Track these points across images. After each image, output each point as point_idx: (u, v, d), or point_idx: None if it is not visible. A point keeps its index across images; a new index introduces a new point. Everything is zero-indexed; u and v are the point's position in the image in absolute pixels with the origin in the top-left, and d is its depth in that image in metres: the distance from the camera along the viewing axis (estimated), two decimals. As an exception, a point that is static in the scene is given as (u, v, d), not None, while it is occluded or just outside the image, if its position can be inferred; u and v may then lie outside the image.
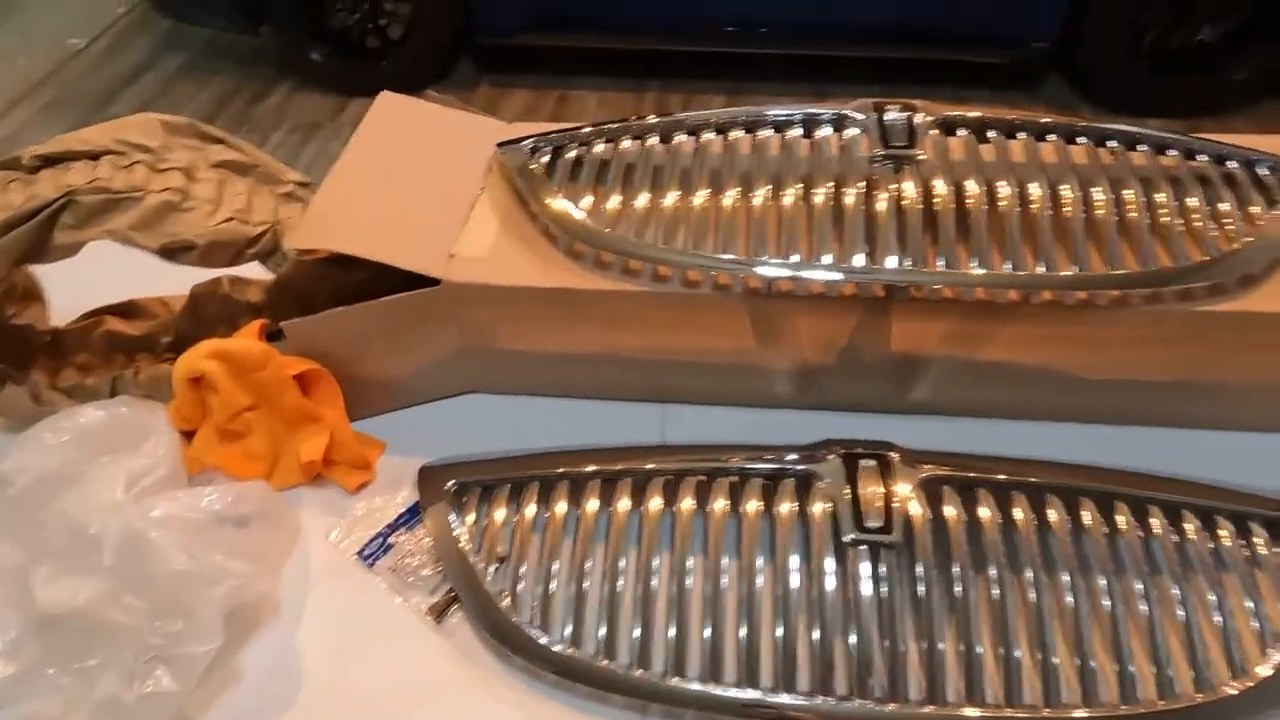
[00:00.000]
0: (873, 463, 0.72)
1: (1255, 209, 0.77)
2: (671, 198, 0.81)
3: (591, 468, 0.76)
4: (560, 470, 0.77)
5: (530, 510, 0.74)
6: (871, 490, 0.70)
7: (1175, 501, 0.71)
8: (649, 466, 0.76)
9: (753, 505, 0.72)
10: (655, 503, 0.73)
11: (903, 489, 0.71)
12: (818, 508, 0.71)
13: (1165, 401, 0.81)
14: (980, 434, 0.81)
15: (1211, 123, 2.67)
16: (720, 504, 0.72)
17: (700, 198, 0.81)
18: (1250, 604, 0.66)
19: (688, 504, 0.72)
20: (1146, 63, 2.59)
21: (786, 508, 0.71)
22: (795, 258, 0.76)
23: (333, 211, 0.82)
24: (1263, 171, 0.81)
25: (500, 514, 0.74)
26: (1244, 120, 2.68)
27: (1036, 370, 0.79)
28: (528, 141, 0.88)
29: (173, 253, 0.77)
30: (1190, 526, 0.70)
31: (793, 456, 0.74)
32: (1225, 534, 0.69)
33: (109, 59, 3.35)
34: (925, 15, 2.65)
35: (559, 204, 0.82)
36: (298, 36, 2.89)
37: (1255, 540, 0.69)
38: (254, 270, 0.86)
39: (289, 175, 0.86)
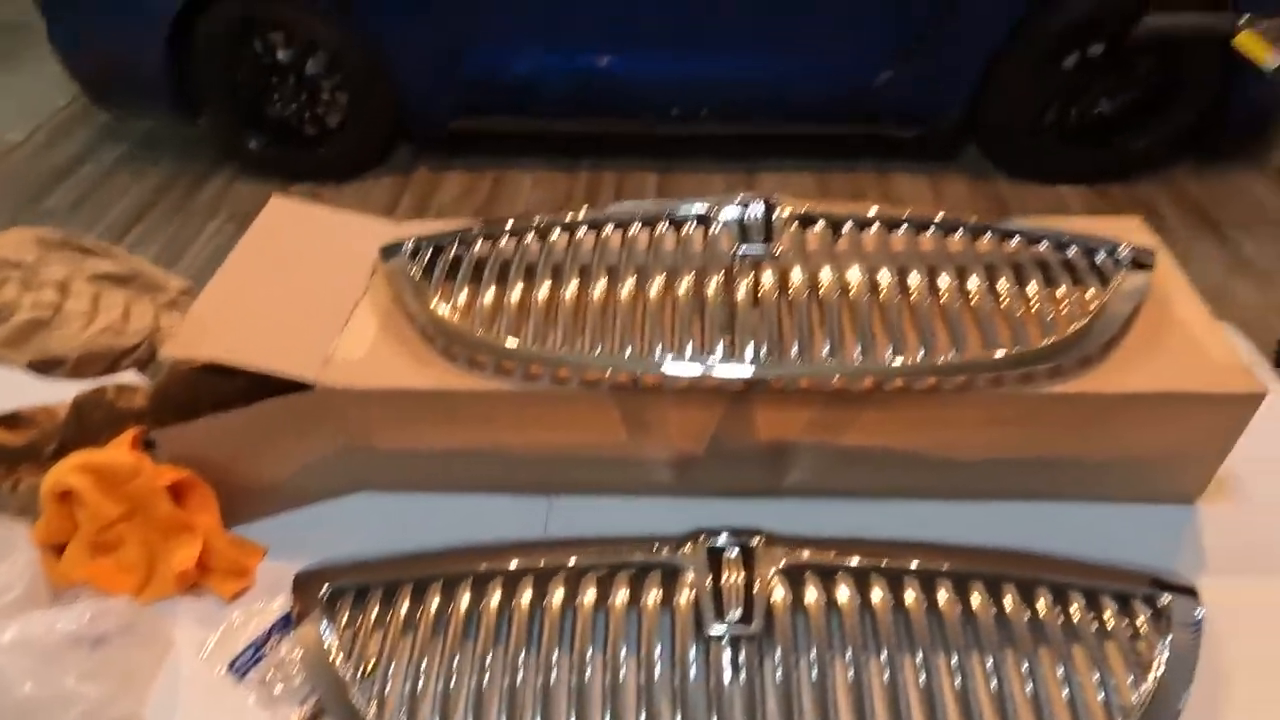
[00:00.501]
0: (736, 552, 0.74)
1: (1091, 292, 0.82)
2: (543, 296, 0.84)
3: (465, 567, 0.76)
4: (435, 571, 0.77)
5: (403, 612, 0.74)
6: (734, 580, 0.72)
7: (1028, 578, 0.73)
8: (522, 563, 0.76)
9: (620, 599, 0.73)
10: (526, 599, 0.74)
11: (765, 576, 0.72)
12: (683, 599, 0.72)
13: (1021, 477, 0.84)
14: (852, 514, 0.84)
15: (1119, 188, 2.82)
16: (589, 598, 0.73)
17: (570, 295, 0.83)
18: (1098, 676, 0.68)
19: (557, 599, 0.73)
20: (1052, 134, 2.73)
21: (653, 600, 0.72)
22: (659, 353, 0.78)
23: (212, 318, 0.84)
24: (1099, 257, 0.86)
25: (373, 617, 0.74)
26: (1150, 184, 2.82)
27: (896, 453, 0.82)
28: (410, 243, 0.91)
29: (43, 367, 0.77)
30: (1042, 603, 0.72)
31: (662, 548, 0.75)
32: (1076, 608, 0.72)
33: (47, 151, 3.36)
34: (846, 94, 2.77)
35: (436, 305, 0.84)
36: (235, 126, 2.93)
37: (1105, 613, 0.72)
38: (140, 376, 0.87)
39: (172, 283, 0.88)
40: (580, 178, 3.02)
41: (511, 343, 0.81)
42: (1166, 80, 2.53)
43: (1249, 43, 1.32)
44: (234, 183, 3.06)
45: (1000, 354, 0.77)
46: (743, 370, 0.77)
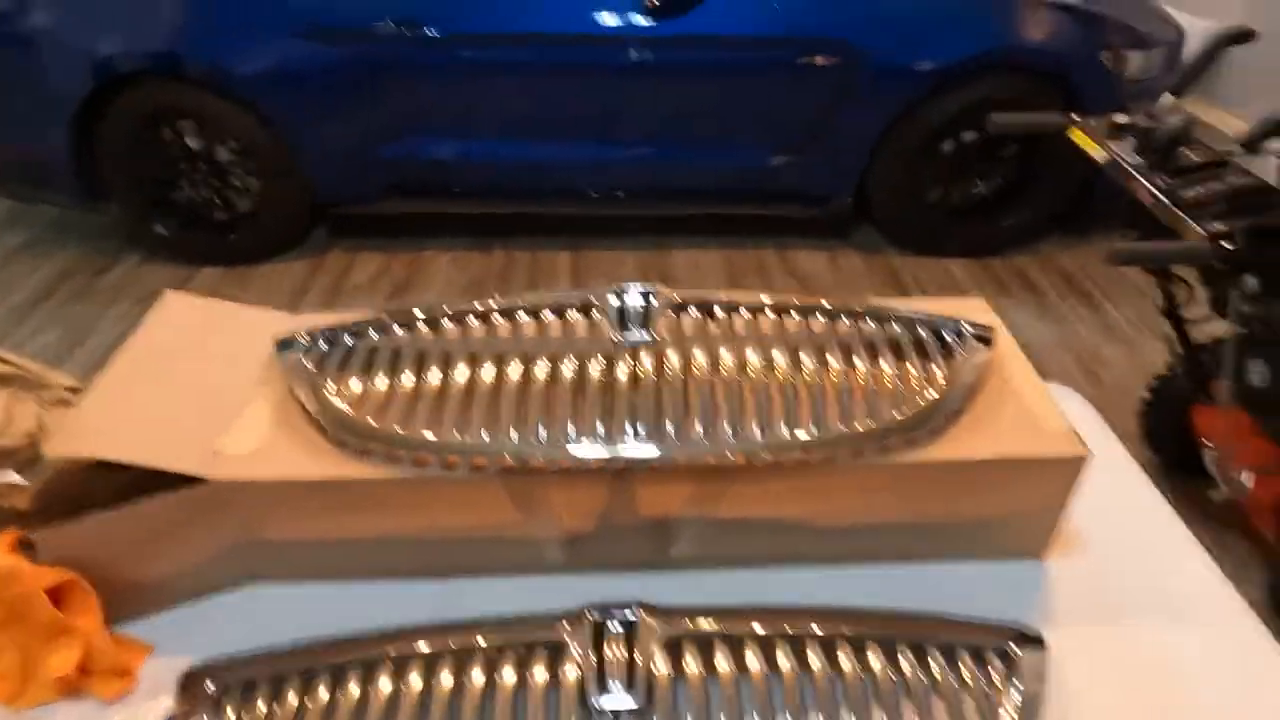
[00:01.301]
0: (620, 628, 0.77)
1: (938, 368, 0.90)
2: (433, 384, 0.88)
3: (354, 655, 0.78)
4: (323, 661, 0.78)
5: (291, 706, 0.74)
6: (617, 655, 0.75)
7: (891, 637, 0.79)
8: (411, 648, 0.78)
9: (508, 679, 0.75)
10: (414, 684, 0.75)
11: (648, 649, 0.75)
12: (569, 676, 0.74)
13: (887, 541, 0.90)
14: (734, 583, 0.88)
15: (999, 261, 3.04)
16: (477, 680, 0.75)
17: (459, 382, 0.87)
18: (957, 731, 0.73)
19: (446, 683, 0.75)
20: (937, 212, 2.94)
21: (540, 679, 0.75)
22: (545, 437, 0.82)
23: (99, 415, 0.84)
24: (946, 335, 0.95)
25: (260, 713, 0.74)
26: (1026, 256, 3.05)
27: (770, 522, 0.87)
28: (305, 334, 0.94)
29: (-83, 472, 0.76)
30: (905, 661, 0.77)
31: (550, 626, 0.78)
32: (936, 664, 0.77)
33: (-57, 240, 3.26)
34: (745, 179, 2.94)
35: (328, 396, 0.87)
36: (143, 211, 2.91)
37: (961, 668, 0.77)
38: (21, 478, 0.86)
39: (57, 380, 0.88)
40: (495, 257, 3.09)
41: (401, 431, 0.84)
42: (1030, 165, 2.78)
43: (1079, 139, 1.48)
44: (141, 267, 3.02)
45: (859, 427, 0.84)
46: (624, 451, 0.81)
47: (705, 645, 0.77)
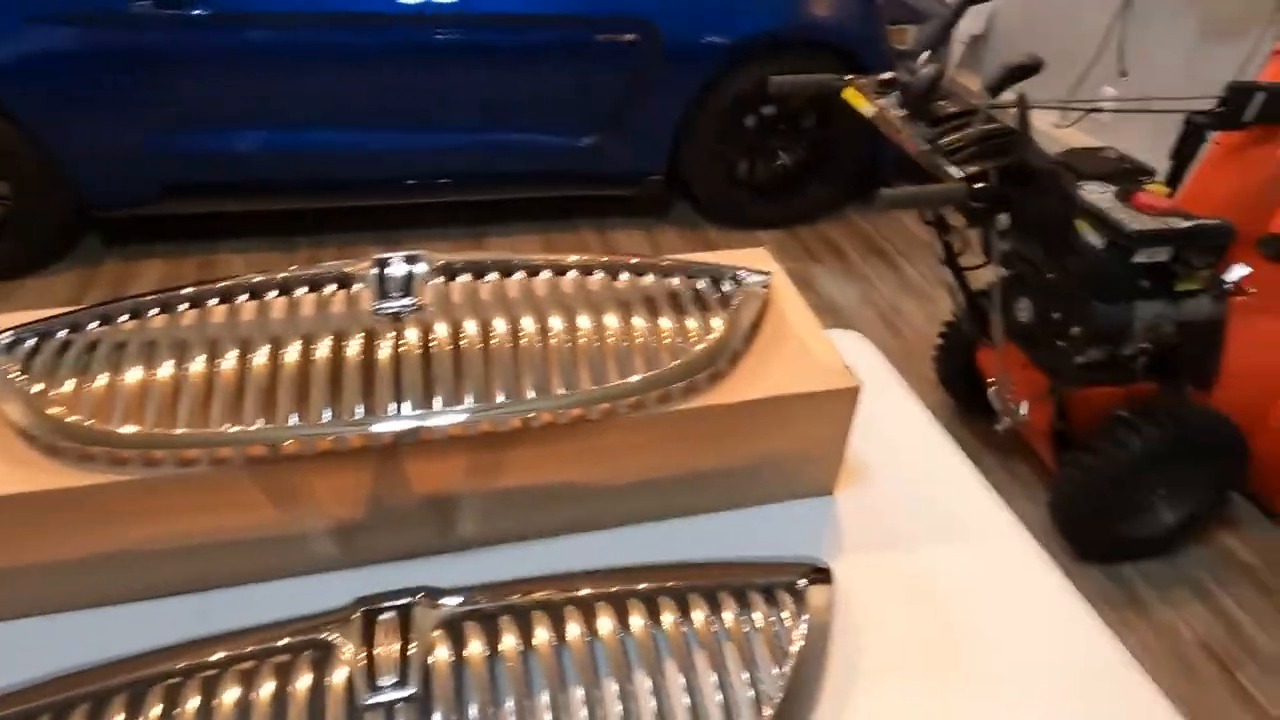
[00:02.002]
0: (392, 615, 0.71)
1: (716, 316, 0.90)
2: (165, 374, 0.77)
3: (81, 690, 0.67)
4: (46, 702, 0.67)
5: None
6: (389, 646, 0.69)
7: (683, 589, 0.77)
8: (154, 672, 0.68)
9: (266, 691, 0.67)
10: (155, 712, 0.66)
11: (426, 635, 0.70)
12: (337, 676, 0.67)
13: (679, 495, 0.89)
14: (525, 556, 0.84)
15: (806, 229, 3.17)
16: (228, 700, 0.66)
17: (197, 370, 0.78)
18: (747, 675, 0.72)
19: (190, 709, 0.66)
20: (745, 186, 3.03)
21: (303, 684, 0.67)
22: (295, 418, 0.75)
23: None
24: (724, 284, 0.94)
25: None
26: (831, 223, 3.20)
27: (556, 488, 0.84)
28: (7, 334, 0.81)
29: None
30: (698, 612, 0.75)
31: (314, 627, 0.71)
32: (729, 611, 0.76)
33: None
34: (559, 160, 2.90)
35: (34, 398, 0.75)
36: None
37: (754, 610, 0.77)
38: None
39: None
40: (298, 256, 2.89)
41: (128, 429, 0.73)
42: (827, 137, 2.92)
43: (852, 96, 1.55)
44: None
45: (637, 380, 0.81)
46: (388, 426, 0.75)
47: (489, 623, 0.72)
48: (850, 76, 1.59)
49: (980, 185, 1.31)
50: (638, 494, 0.87)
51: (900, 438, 1.06)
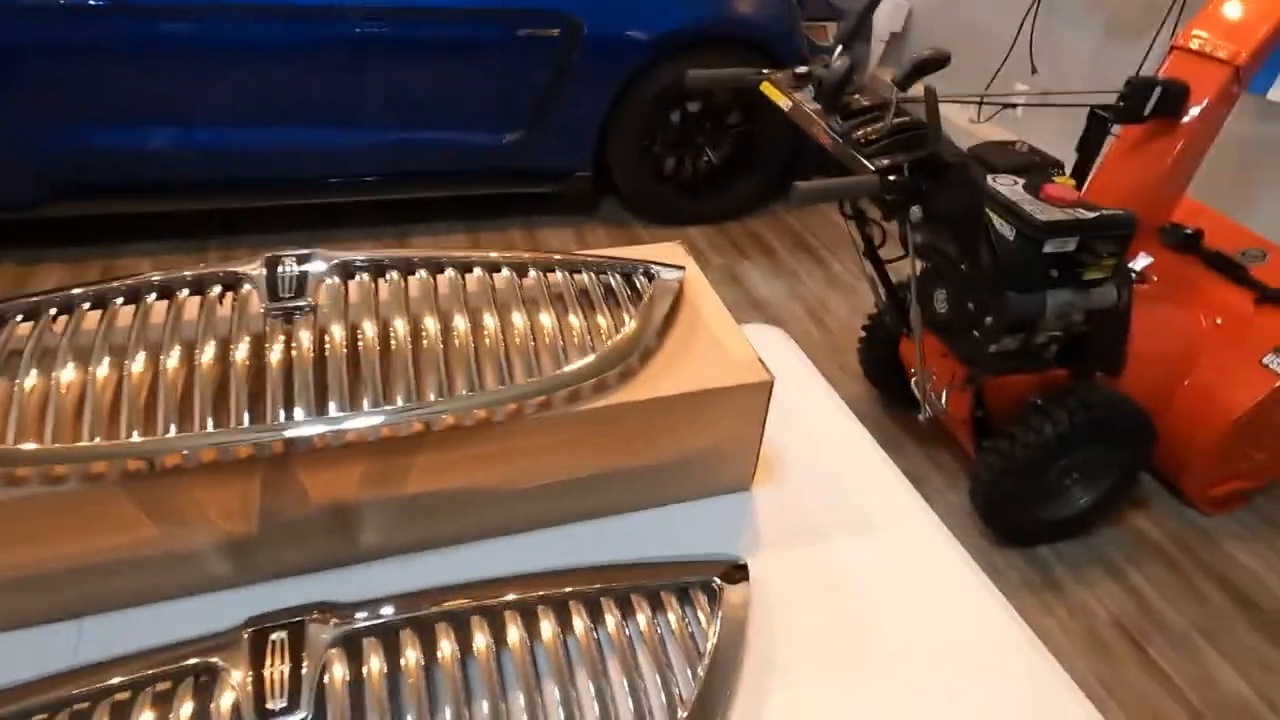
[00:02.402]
0: (284, 634, 0.67)
1: (627, 311, 0.88)
2: (30, 385, 0.72)
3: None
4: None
5: None
6: (279, 667, 0.65)
7: (594, 593, 0.75)
8: (22, 706, 0.63)
9: (145, 721, 0.62)
10: (19, 753, 0.60)
11: (320, 654, 0.66)
12: (223, 703, 0.63)
13: (602, 494, 0.87)
14: (433, 566, 0.81)
15: (735, 225, 3.18)
16: (103, 732, 0.62)
17: (67, 380, 0.72)
18: (659, 679, 0.70)
19: (59, 743, 0.61)
20: (673, 183, 3.02)
21: (186, 712, 0.63)
22: (175, 429, 0.70)
23: None
24: (636, 280, 0.93)
25: None
26: (759, 220, 3.22)
27: (463, 494, 0.80)
28: None
29: None
30: (609, 617, 0.73)
31: (196, 649, 0.66)
32: (642, 614, 0.74)
33: None
34: (482, 158, 2.84)
35: (-122, 416, 0.68)
36: None
37: (668, 611, 0.75)
38: None
39: None
40: (210, 259, 2.77)
41: (-13, 446, 0.68)
42: (752, 131, 2.93)
43: (769, 90, 1.55)
44: None
45: (545, 379, 0.79)
46: (276, 434, 0.71)
47: (389, 637, 0.69)
48: (768, 71, 1.59)
49: (892, 178, 1.32)
50: (550, 496, 0.84)
51: (817, 431, 1.06)
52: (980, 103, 1.74)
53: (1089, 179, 1.94)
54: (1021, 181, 1.65)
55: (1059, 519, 1.87)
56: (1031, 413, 1.71)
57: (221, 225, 2.88)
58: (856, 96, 1.48)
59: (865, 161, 1.34)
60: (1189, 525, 2.01)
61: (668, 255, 1.03)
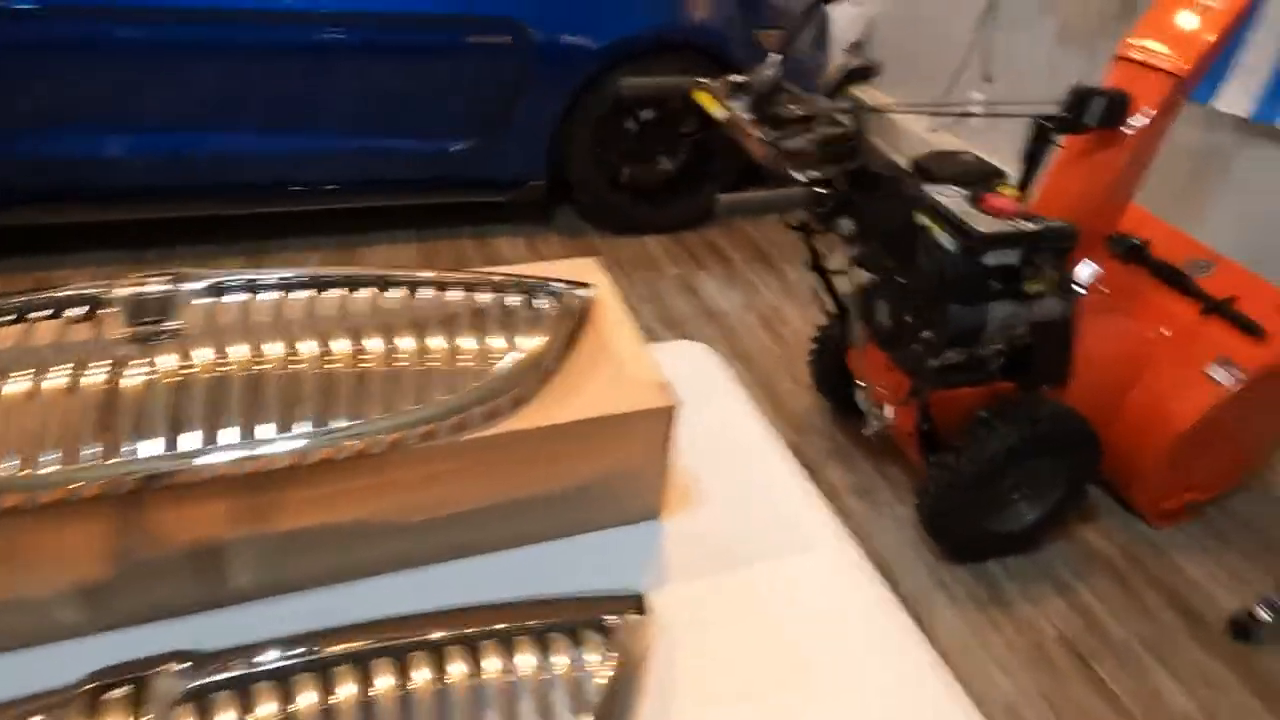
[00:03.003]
0: (127, 689, 0.61)
1: (526, 334, 0.83)
2: None
3: None
4: None
5: None
6: (117, 727, 0.59)
7: (476, 636, 0.70)
8: None
9: (-40, 791, 0.57)
10: None
11: (166, 711, 0.61)
12: (52, 768, 0.58)
13: (499, 526, 0.82)
14: (308, 607, 0.76)
15: (693, 234, 3.15)
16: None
17: (-105, 416, 0.67)
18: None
19: None
20: (629, 191, 2.98)
21: (9, 780, 0.58)
22: (15, 463, 0.64)
23: None
24: (539, 300, 0.88)
25: None
26: (717, 229, 3.19)
27: (344, 528, 0.76)
28: None
29: None
30: (490, 661, 0.69)
31: (28, 709, 0.61)
32: (527, 658, 0.70)
33: None
34: (434, 165, 2.79)
35: None
36: None
37: (555, 653, 0.70)
38: None
39: None
40: (147, 269, 2.69)
41: None
42: (708, 139, 2.90)
43: (704, 98, 1.52)
44: None
45: (430, 407, 0.74)
46: (132, 468, 0.66)
47: (244, 690, 0.64)
48: (703, 79, 1.55)
49: (822, 190, 1.29)
50: (437, 530, 0.80)
51: (737, 453, 1.02)
52: (926, 113, 1.71)
53: (1036, 189, 1.93)
54: (964, 192, 1.63)
55: (1007, 534, 1.85)
56: (977, 427, 1.68)
57: (164, 235, 2.80)
58: (793, 106, 1.45)
59: (798, 175, 1.31)
60: (1138, 538, 1.99)
61: (580, 272, 0.98)
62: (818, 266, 1.79)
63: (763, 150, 1.35)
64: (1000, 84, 3.25)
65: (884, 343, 1.71)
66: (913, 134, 3.59)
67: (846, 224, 1.33)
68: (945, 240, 1.56)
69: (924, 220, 1.62)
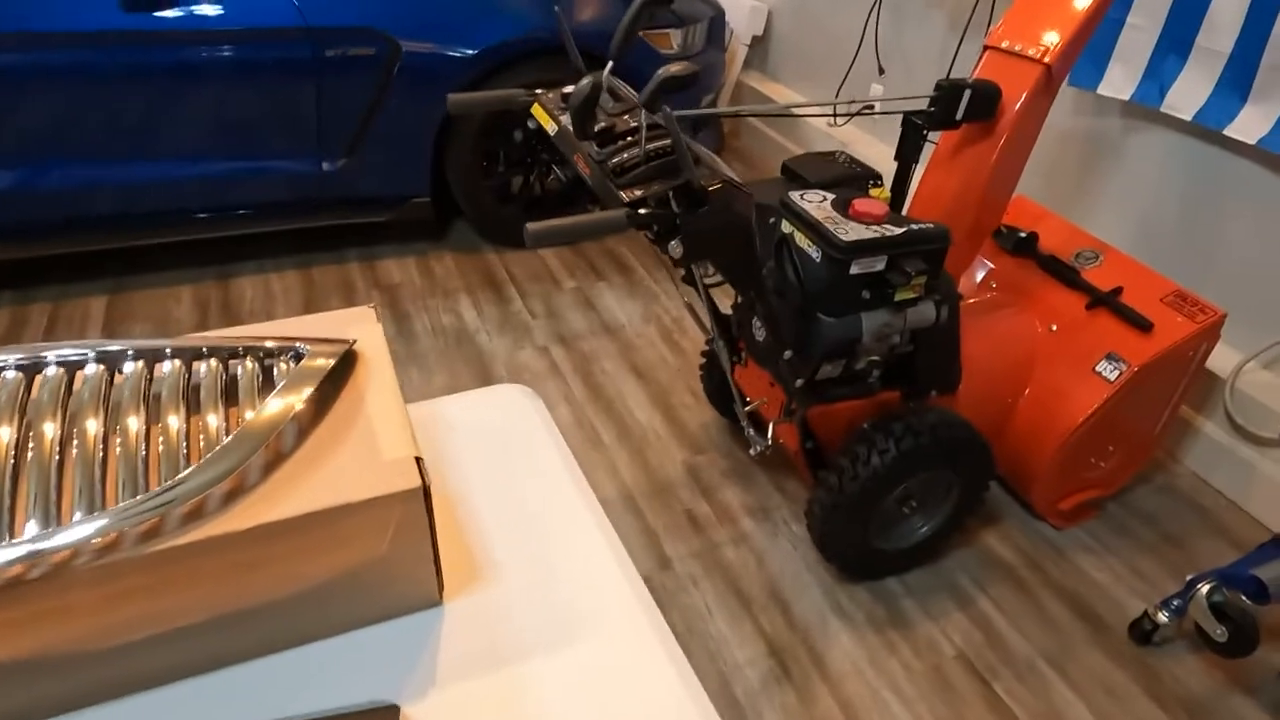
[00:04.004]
0: None
1: (253, 410, 0.71)
2: None
3: None
4: None
5: None
6: None
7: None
8: None
9: None
10: None
11: None
12: None
13: (222, 640, 0.69)
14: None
15: (592, 245, 3.04)
16: None
17: None
18: None
19: None
20: (520, 204, 2.86)
21: None
22: None
23: None
24: (281, 366, 0.76)
25: None
26: (620, 240, 3.09)
27: (24, 660, 0.62)
28: None
29: None
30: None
31: None
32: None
33: None
34: (309, 186, 2.63)
35: None
36: None
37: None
38: None
39: None
40: (1, 314, 2.49)
41: None
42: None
43: (539, 113, 1.40)
44: None
45: (109, 515, 0.62)
46: None
47: None
48: (540, 90, 1.44)
49: (642, 211, 1.19)
50: (141, 654, 0.67)
51: (542, 521, 0.91)
52: (732, 116, 1.62)
53: (914, 188, 1.86)
54: (831, 197, 1.54)
55: (901, 549, 1.77)
56: (857, 443, 1.60)
57: (15, 277, 2.59)
58: (625, 117, 1.34)
59: (620, 195, 1.20)
60: (1040, 540, 1.94)
61: (349, 325, 0.86)
62: (692, 281, 1.69)
63: (587, 168, 1.25)
64: (893, 76, 3.20)
65: (761, 359, 1.62)
66: (813, 127, 3.53)
67: (675, 247, 1.23)
68: (811, 249, 1.47)
69: (789, 229, 1.53)
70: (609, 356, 2.46)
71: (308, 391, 0.75)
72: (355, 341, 0.84)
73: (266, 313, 2.56)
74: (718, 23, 3.16)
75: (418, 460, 0.72)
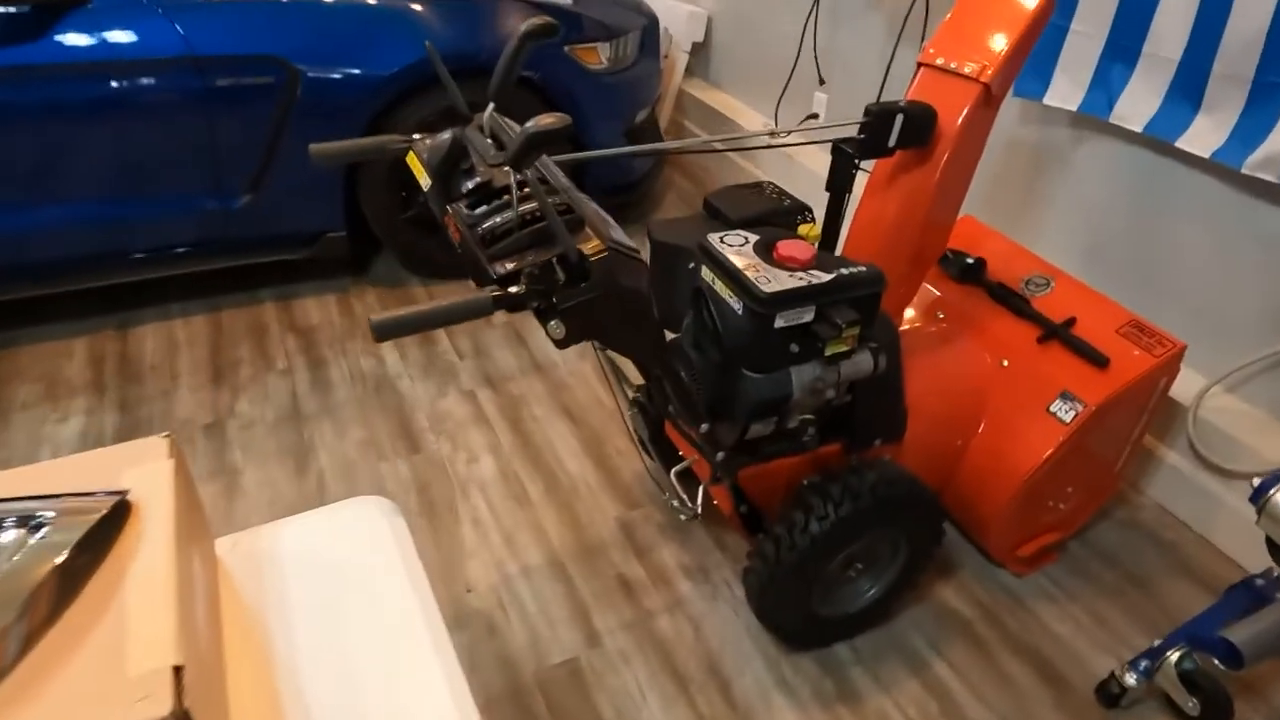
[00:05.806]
0: None
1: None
2: None
3: None
4: None
5: None
6: None
7: None
8: None
9: None
10: None
11: None
12: None
13: None
14: None
15: (526, 273, 2.87)
16: None
17: None
18: None
19: None
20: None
21: None
22: None
23: None
24: (38, 538, 0.59)
25: None
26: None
27: None
28: None
29: None
30: None
31: None
32: None
33: None
34: (213, 225, 2.44)
35: None
36: None
37: None
38: None
39: None
40: None
41: None
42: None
43: (413, 164, 1.25)
44: None
45: None
46: None
47: None
48: (418, 136, 1.28)
49: (512, 289, 1.04)
50: None
51: (382, 668, 0.76)
52: (618, 155, 1.47)
53: (851, 217, 1.72)
54: (754, 239, 1.40)
55: (849, 614, 1.64)
56: (793, 508, 1.46)
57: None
58: (507, 169, 1.19)
59: (489, 269, 1.05)
60: (998, 589, 1.81)
61: (137, 461, 0.70)
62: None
63: (457, 235, 1.09)
64: (835, 83, 3.07)
65: (689, 419, 1.47)
66: (761, 139, 3.39)
67: (556, 327, 1.08)
68: (733, 301, 1.33)
69: (709, 277, 1.39)
70: (539, 399, 2.30)
71: (46, 567, 0.59)
72: (127, 493, 0.68)
73: (169, 367, 2.36)
74: (650, 32, 3.01)
75: (176, 671, 0.57)
